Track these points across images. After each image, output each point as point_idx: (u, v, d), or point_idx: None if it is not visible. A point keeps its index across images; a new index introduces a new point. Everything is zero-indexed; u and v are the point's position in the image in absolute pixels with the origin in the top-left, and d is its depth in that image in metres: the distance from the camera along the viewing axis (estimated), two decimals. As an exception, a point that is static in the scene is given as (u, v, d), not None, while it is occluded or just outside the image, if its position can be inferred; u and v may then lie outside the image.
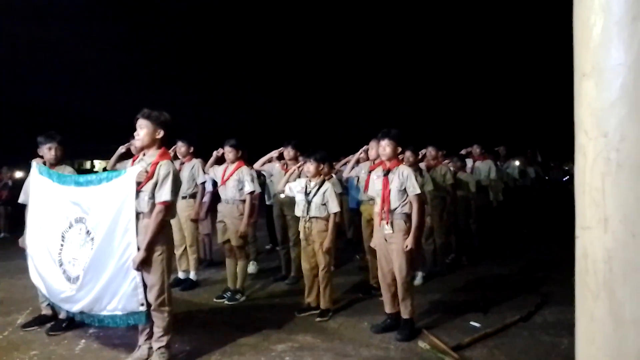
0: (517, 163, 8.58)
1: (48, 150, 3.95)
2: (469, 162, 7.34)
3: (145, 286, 3.12)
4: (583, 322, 1.29)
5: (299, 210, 4.40)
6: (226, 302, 4.72)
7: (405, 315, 3.81)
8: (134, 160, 3.38)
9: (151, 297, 3.12)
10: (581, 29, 1.24)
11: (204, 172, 5.28)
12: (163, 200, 3.09)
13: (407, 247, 3.74)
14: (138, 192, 3.09)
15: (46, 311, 3.99)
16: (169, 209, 3.17)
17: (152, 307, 3.14)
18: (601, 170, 1.20)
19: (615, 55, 1.15)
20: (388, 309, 3.94)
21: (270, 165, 5.75)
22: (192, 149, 5.48)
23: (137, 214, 3.09)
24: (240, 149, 4.90)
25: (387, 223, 3.81)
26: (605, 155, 1.18)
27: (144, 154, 3.27)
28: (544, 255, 7.21)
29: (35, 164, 3.83)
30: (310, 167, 4.33)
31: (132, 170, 3.13)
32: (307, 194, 4.32)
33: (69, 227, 3.35)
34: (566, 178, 17.72)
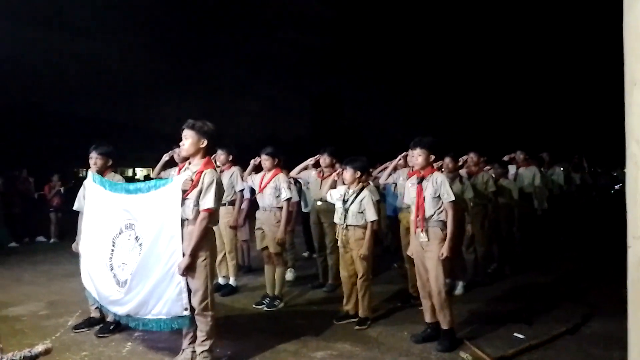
0: (561, 169, 8.28)
1: (90, 160, 4.19)
2: (512, 168, 7.16)
3: (189, 291, 3.21)
4: (636, 333, 1.25)
5: (336, 218, 4.42)
6: (265, 308, 4.78)
7: (444, 325, 3.74)
8: (180, 169, 3.49)
9: (195, 301, 3.20)
10: (632, 37, 1.21)
11: (243, 180, 5.39)
12: (207, 208, 3.18)
13: (442, 255, 3.68)
14: (184, 199, 3.19)
15: (95, 314, 4.15)
16: (213, 216, 3.26)
17: (195, 312, 3.22)
18: (654, 180, 1.16)
19: (668, 63, 1.12)
20: (428, 318, 3.89)
21: (306, 172, 5.80)
22: (231, 157, 5.59)
23: (182, 221, 3.19)
24: (277, 157, 4.99)
25: (422, 231, 3.78)
26: (658, 164, 1.15)
27: (190, 163, 3.38)
28: (590, 265, 6.94)
29: (90, 172, 4.03)
30: (346, 174, 4.35)
31: (178, 179, 3.23)
32: (344, 201, 4.34)
33: (119, 233, 3.49)
34: (618, 186, 16.92)
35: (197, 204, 3.20)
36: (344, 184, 4.48)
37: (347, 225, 4.29)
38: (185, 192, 3.19)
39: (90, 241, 3.78)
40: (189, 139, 3.30)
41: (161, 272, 3.19)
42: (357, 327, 4.19)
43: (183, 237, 3.17)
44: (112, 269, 3.51)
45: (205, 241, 3.22)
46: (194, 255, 3.15)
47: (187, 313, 3.21)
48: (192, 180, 3.22)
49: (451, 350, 3.63)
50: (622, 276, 1.32)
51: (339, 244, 4.41)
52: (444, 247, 3.68)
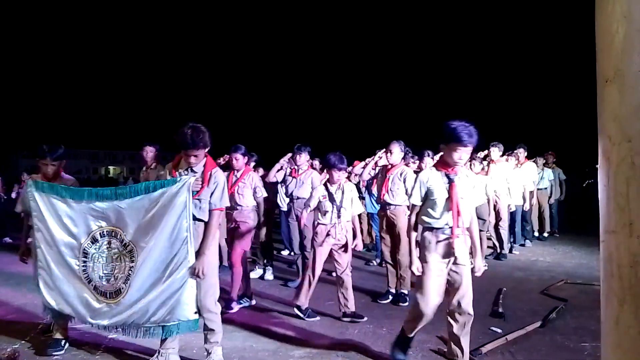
0: (535, 166, 8.49)
1: (44, 167, 3.65)
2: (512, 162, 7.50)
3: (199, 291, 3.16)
4: (609, 326, 1.28)
5: (327, 219, 4.32)
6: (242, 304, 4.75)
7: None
8: (174, 170, 3.34)
9: (207, 300, 3.18)
10: (603, 36, 1.24)
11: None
12: (220, 207, 3.22)
13: (479, 270, 3.26)
14: (194, 200, 3.11)
15: (58, 334, 3.65)
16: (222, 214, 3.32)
17: (207, 310, 3.19)
18: (626, 175, 1.19)
19: (638, 61, 1.15)
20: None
21: (282, 172, 5.78)
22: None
23: (195, 222, 3.12)
24: (247, 156, 4.98)
25: (461, 241, 3.15)
26: (630, 160, 1.18)
27: (191, 168, 3.27)
28: (564, 260, 7.12)
29: (31, 182, 3.52)
30: (338, 175, 4.32)
31: (185, 180, 3.08)
32: (334, 200, 4.31)
33: (92, 243, 3.27)
34: (586, 183, 17.43)
35: (208, 203, 3.19)
36: (331, 184, 4.39)
37: (340, 222, 4.27)
38: (196, 193, 3.13)
39: (52, 255, 3.42)
40: (200, 158, 3.22)
41: (172, 276, 3.04)
42: (345, 319, 4.25)
43: (195, 238, 3.12)
44: (90, 282, 3.28)
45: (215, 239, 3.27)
46: (209, 254, 3.15)
47: (197, 316, 3.14)
48: (201, 180, 3.18)
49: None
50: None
51: (332, 241, 4.31)
52: (478, 260, 3.25)
